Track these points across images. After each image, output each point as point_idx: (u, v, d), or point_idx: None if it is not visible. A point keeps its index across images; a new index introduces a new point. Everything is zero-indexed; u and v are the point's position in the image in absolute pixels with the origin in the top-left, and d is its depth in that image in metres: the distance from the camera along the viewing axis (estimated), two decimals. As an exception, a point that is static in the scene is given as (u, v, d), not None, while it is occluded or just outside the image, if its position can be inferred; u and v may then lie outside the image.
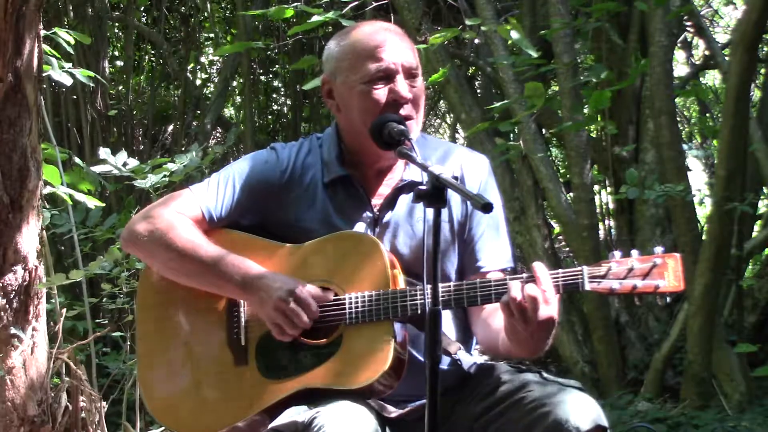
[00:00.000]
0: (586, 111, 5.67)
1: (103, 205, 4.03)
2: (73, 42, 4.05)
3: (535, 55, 4.62)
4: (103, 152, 3.80)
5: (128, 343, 4.25)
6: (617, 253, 2.23)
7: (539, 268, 2.19)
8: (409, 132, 2.33)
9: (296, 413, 2.23)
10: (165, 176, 3.75)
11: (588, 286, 2.20)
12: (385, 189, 2.48)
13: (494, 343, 2.38)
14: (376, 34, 2.44)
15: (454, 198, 2.46)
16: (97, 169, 3.82)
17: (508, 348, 2.30)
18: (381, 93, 2.39)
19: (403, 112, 2.38)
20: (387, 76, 2.39)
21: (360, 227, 2.44)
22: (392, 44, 2.41)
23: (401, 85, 2.39)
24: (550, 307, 2.15)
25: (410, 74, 2.41)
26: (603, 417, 2.22)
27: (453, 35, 4.70)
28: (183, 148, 7.65)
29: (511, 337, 2.24)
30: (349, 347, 2.31)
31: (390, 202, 2.46)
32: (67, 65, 3.94)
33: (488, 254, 2.48)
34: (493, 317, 2.38)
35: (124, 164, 3.77)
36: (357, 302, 2.31)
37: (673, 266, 2.18)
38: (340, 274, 2.36)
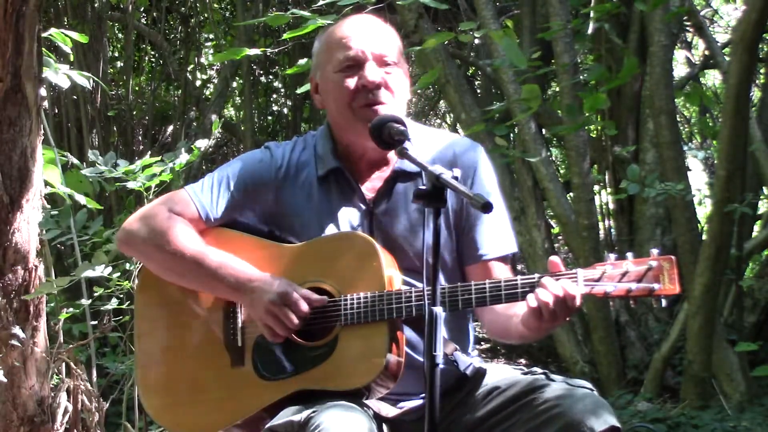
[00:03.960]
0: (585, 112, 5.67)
1: (101, 207, 4.02)
2: (70, 43, 4.04)
3: (524, 66, 4.62)
4: (92, 154, 3.78)
5: (127, 343, 4.25)
6: (612, 256, 2.21)
7: (560, 262, 2.22)
8: (402, 120, 2.33)
9: (292, 413, 2.23)
10: (155, 175, 3.72)
11: (583, 290, 2.19)
12: (378, 181, 2.48)
13: (505, 327, 2.38)
14: (347, 25, 2.49)
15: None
16: (87, 171, 3.79)
17: (522, 333, 2.30)
18: (351, 81, 2.41)
19: (372, 97, 2.39)
20: (356, 63, 2.41)
21: (354, 219, 2.44)
22: (361, 33, 2.44)
23: (369, 71, 2.40)
24: (575, 308, 2.18)
25: (383, 62, 2.42)
26: (615, 418, 2.21)
27: (446, 39, 4.69)
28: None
29: (530, 328, 2.25)
30: (344, 348, 2.31)
31: (384, 193, 2.46)
32: (65, 67, 3.92)
33: (489, 241, 2.47)
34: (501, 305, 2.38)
35: (115, 165, 3.74)
36: (353, 303, 2.30)
37: (669, 269, 2.15)
38: (335, 274, 2.36)
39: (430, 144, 2.50)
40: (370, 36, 2.44)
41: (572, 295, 2.16)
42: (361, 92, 2.40)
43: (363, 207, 2.45)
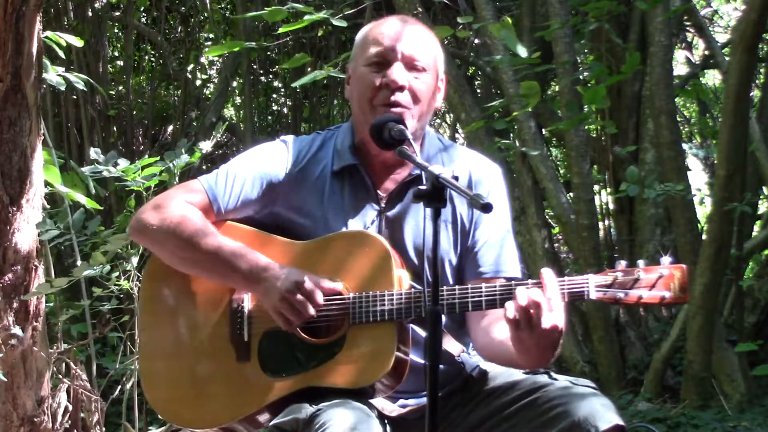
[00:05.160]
0: (585, 109, 5.67)
1: (101, 208, 4.01)
2: (65, 45, 4.03)
3: (524, 54, 4.60)
4: (94, 152, 3.78)
5: (127, 343, 4.25)
6: (623, 263, 2.21)
7: (547, 274, 2.16)
8: (404, 121, 2.33)
9: (297, 410, 2.24)
10: (154, 175, 3.72)
11: (594, 296, 2.19)
12: (393, 183, 2.47)
13: (495, 353, 2.37)
14: (386, 23, 2.48)
15: (461, 201, 2.45)
16: (87, 169, 3.79)
17: (513, 358, 2.27)
18: (376, 77, 2.40)
19: (393, 98, 2.38)
20: (384, 61, 2.41)
21: (364, 219, 2.44)
22: (397, 33, 2.43)
23: (395, 70, 2.39)
24: (554, 315, 2.11)
25: (413, 66, 2.41)
26: (619, 416, 2.21)
27: (446, 34, 4.68)
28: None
29: (517, 347, 2.21)
30: (352, 347, 2.31)
31: (397, 196, 2.46)
32: (61, 69, 3.92)
33: (491, 261, 2.46)
34: (495, 327, 2.36)
35: (115, 164, 3.73)
36: (362, 302, 2.30)
37: (680, 277, 2.17)
38: (346, 273, 2.36)
39: (446, 158, 2.50)
40: (404, 37, 2.43)
41: (537, 302, 2.09)
42: (384, 90, 2.39)
43: (375, 207, 2.45)
